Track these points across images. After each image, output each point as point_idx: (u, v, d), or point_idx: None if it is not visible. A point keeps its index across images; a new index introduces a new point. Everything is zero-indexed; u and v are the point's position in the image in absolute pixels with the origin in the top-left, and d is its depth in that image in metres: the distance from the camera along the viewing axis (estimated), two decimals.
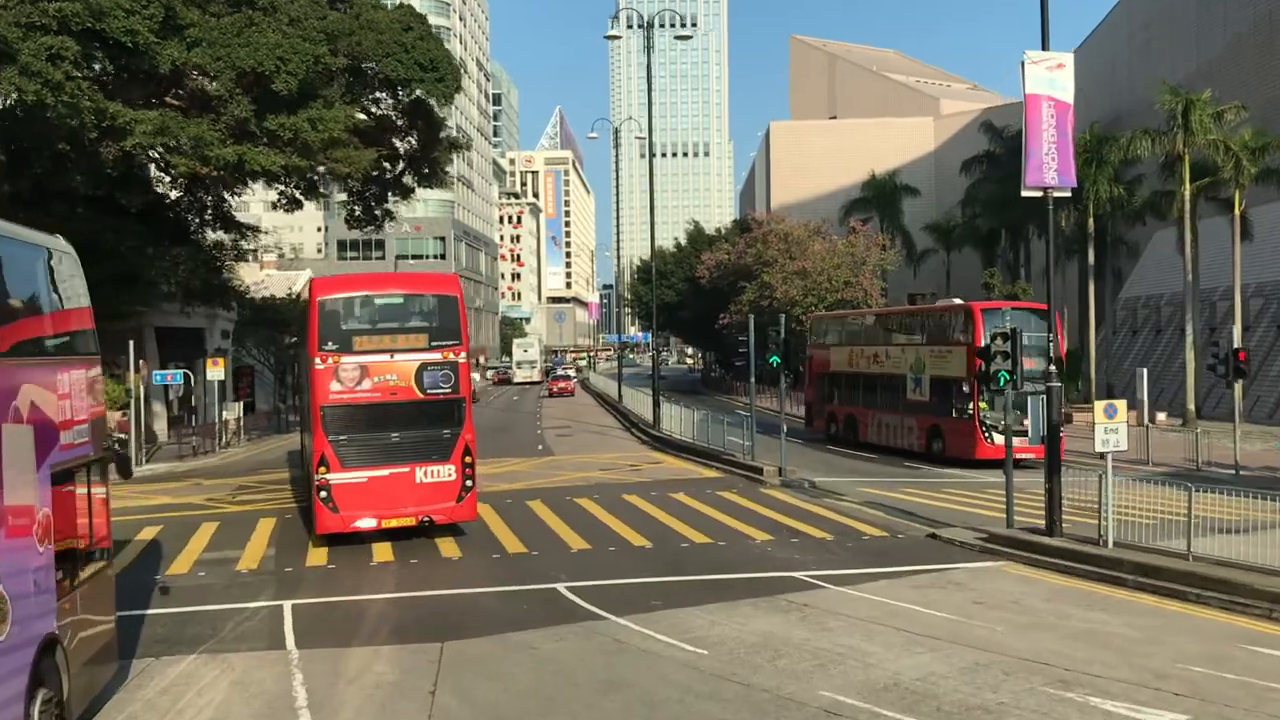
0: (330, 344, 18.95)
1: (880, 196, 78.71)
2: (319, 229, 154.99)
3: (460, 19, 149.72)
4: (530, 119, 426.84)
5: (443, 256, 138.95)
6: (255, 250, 43.84)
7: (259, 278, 70.94)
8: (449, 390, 19.36)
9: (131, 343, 33.66)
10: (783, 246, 71.49)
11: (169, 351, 44.32)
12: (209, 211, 41.16)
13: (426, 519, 19.13)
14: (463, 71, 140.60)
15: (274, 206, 43.79)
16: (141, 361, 34.48)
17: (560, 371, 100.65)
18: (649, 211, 42.41)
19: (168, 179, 39.42)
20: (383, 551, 18.51)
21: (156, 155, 30.29)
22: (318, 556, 18.28)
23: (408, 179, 42.68)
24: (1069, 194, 19.77)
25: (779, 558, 17.45)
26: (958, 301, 33.85)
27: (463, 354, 19.69)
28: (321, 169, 34.48)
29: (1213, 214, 47.35)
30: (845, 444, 35.92)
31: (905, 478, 28.47)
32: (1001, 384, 18.42)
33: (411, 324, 19.88)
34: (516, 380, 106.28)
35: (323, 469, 18.78)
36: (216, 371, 38.80)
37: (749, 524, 20.34)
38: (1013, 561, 17.10)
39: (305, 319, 20.70)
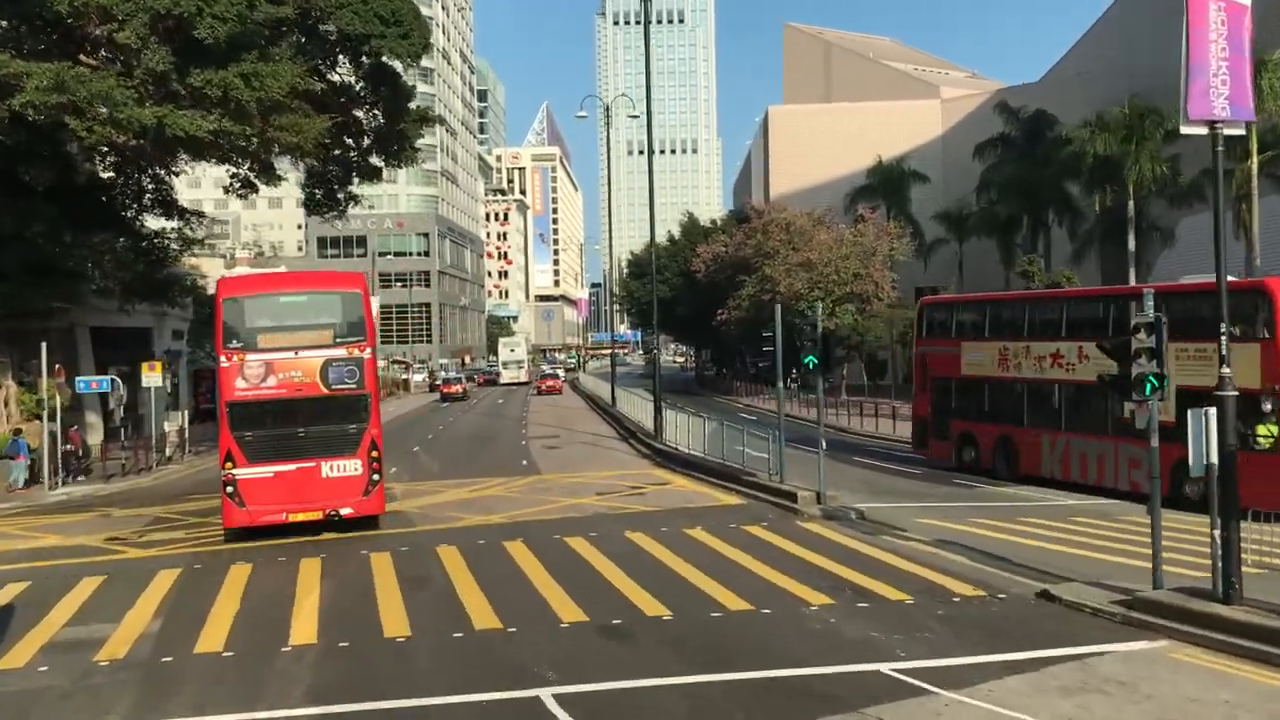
0: (235, 342, 19.47)
1: (887, 184, 73.98)
2: (299, 226, 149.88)
3: (443, 8, 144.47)
4: (517, 117, 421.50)
5: (426, 253, 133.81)
6: (204, 240, 38.78)
7: (231, 274, 66.03)
8: (354, 386, 19.82)
9: (44, 345, 28.64)
10: (785, 237, 66.81)
11: (109, 354, 39.29)
12: (148, 196, 36.10)
13: (334, 513, 19.62)
14: (445, 62, 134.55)
15: (225, 190, 38.69)
16: (58, 366, 29.45)
17: (548, 370, 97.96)
18: (649, 204, 37.44)
19: (98, 157, 34.45)
20: (303, 626, 13.57)
21: (65, 120, 25.23)
22: (213, 636, 13.31)
23: (374, 158, 37.73)
24: (1242, 130, 14.76)
25: (851, 637, 12.54)
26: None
27: (368, 350, 20.11)
28: (262, 140, 29.35)
29: (1267, 192, 42.83)
30: (991, 475, 27.11)
31: (962, 500, 23.67)
32: None
33: (316, 321, 20.26)
34: (503, 381, 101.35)
35: (229, 464, 19.32)
36: (154, 377, 33.76)
37: (796, 577, 15.42)
38: (1176, 641, 12.22)
39: (213, 319, 21.02)
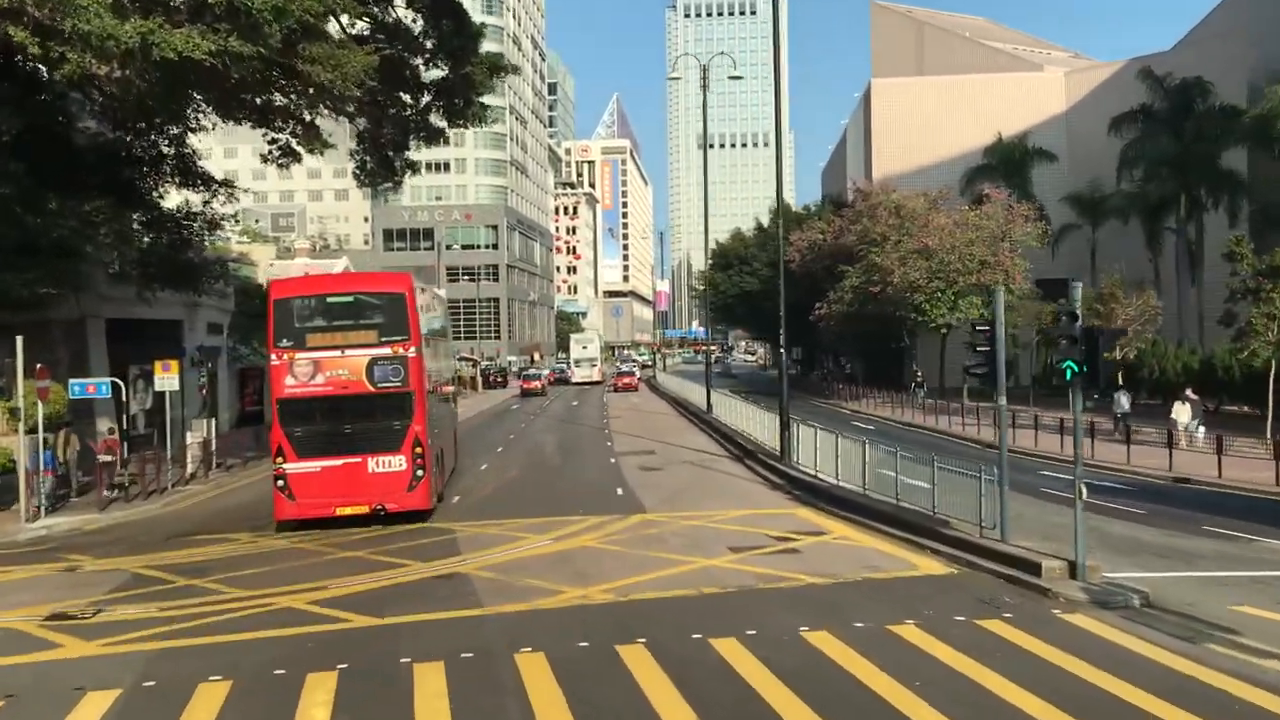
0: (285, 340, 20.19)
1: (1008, 163, 66.36)
2: (365, 219, 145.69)
3: None
4: (586, 110, 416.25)
5: (495, 246, 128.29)
6: (236, 216, 32.77)
7: (292, 265, 60.54)
8: (399, 384, 20.35)
9: (19, 340, 22.73)
10: (894, 222, 59.49)
11: (129, 351, 33.55)
12: (167, 163, 30.16)
13: (379, 507, 20.21)
14: (516, 47, 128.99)
15: (264, 160, 32.70)
16: (40, 366, 23.51)
17: (624, 368, 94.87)
18: (776, 183, 30.57)
19: (94, 107, 28.61)
20: None
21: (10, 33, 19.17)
22: None
23: (435, 117, 31.45)
24: None
25: None
26: None
27: (412, 349, 20.48)
28: (288, 74, 23.10)
29: None
30: None
31: (1254, 566, 16.55)
32: None
33: (362, 321, 20.82)
34: (575, 380, 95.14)
35: (280, 459, 20.12)
36: (168, 379, 27.83)
37: None
38: None
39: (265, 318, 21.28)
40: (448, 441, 27.04)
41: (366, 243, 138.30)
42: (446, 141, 31.75)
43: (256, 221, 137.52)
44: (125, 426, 33.75)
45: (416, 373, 20.50)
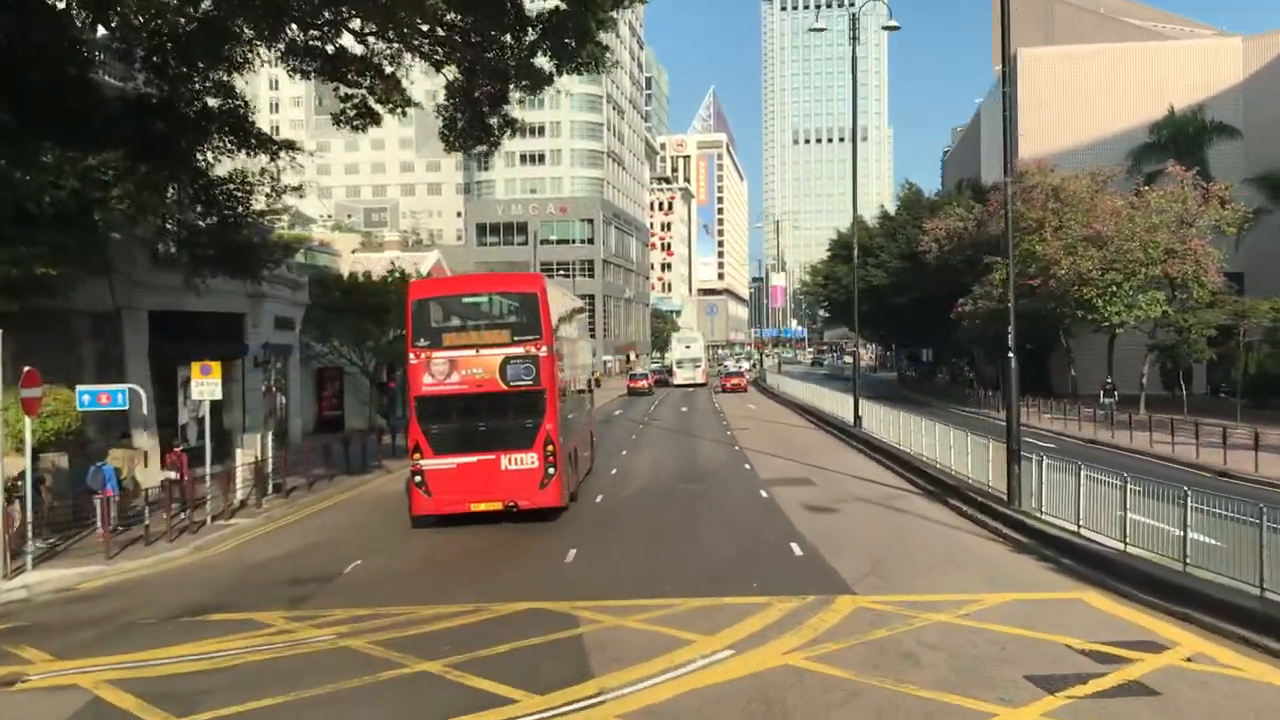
0: (422, 340, 20.78)
1: (1181, 140, 57.82)
2: (458, 214, 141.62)
3: None
4: (680, 105, 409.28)
5: (590, 241, 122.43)
6: (299, 188, 26.88)
7: (384, 258, 55.23)
8: (531, 383, 20.63)
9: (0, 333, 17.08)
10: (1054, 206, 51.67)
11: (181, 349, 28.19)
12: (214, 123, 24.39)
13: (512, 504, 20.45)
14: (614, 35, 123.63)
15: (336, 122, 26.88)
16: (28, 370, 17.81)
17: (732, 369, 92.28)
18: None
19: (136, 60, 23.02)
20: None
21: None
22: None
23: (540, 58, 25.19)
24: None
25: None
26: None
27: (544, 348, 20.72)
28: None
29: None
30: None
31: None
32: None
33: (496, 321, 21.66)
34: (676, 382, 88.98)
35: (417, 455, 20.61)
36: (208, 385, 22.07)
37: None
38: None
39: (403, 319, 22.14)
40: (583, 441, 26.73)
41: (459, 238, 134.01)
42: (552, 82, 25.32)
43: (349, 216, 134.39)
44: (178, 440, 28.51)
45: (548, 371, 20.67)
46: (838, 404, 45.34)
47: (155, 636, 13.48)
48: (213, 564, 18.55)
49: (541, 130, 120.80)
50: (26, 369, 17.65)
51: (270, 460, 25.95)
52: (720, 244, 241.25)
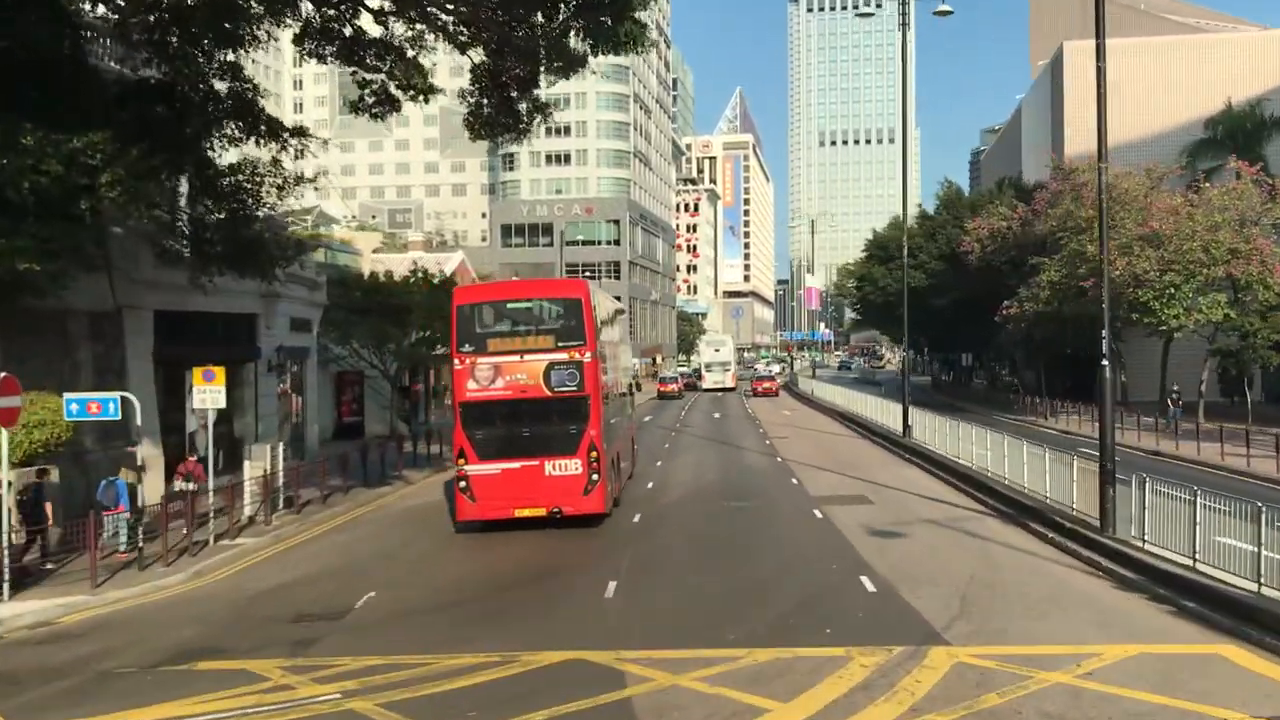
0: (467, 345, 20.68)
1: (1239, 135, 55.26)
2: (482, 215, 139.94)
3: None
4: (705, 106, 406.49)
5: (616, 242, 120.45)
6: (314, 180, 25.02)
7: (405, 259, 53.53)
8: (575, 388, 20.45)
9: None
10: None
11: (189, 353, 26.34)
12: (220, 103, 22.53)
13: (556, 510, 20.28)
14: (655, 10, 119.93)
15: (354, 110, 25.00)
16: (4, 376, 15.96)
17: (763, 372, 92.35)
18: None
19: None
20: None
21: None
22: None
23: (573, 38, 23.21)
24: None
25: None
26: None
27: (588, 354, 20.57)
28: None
29: None
30: None
31: None
32: None
33: (540, 326, 21.43)
34: (705, 386, 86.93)
35: (462, 460, 20.53)
36: (210, 392, 20.21)
37: None
38: None
39: (447, 325, 23.08)
40: (624, 446, 26.46)
41: (484, 239, 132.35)
42: (586, 63, 23.36)
43: (374, 217, 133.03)
44: (190, 449, 26.72)
45: (592, 377, 20.54)
46: (880, 410, 43.12)
47: (132, 692, 11.52)
48: (211, 594, 16.61)
49: (568, 130, 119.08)
50: (3, 375, 15.80)
51: (281, 473, 23.99)
52: (746, 246, 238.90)
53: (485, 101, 24.77)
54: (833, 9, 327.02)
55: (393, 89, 25.04)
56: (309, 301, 35.07)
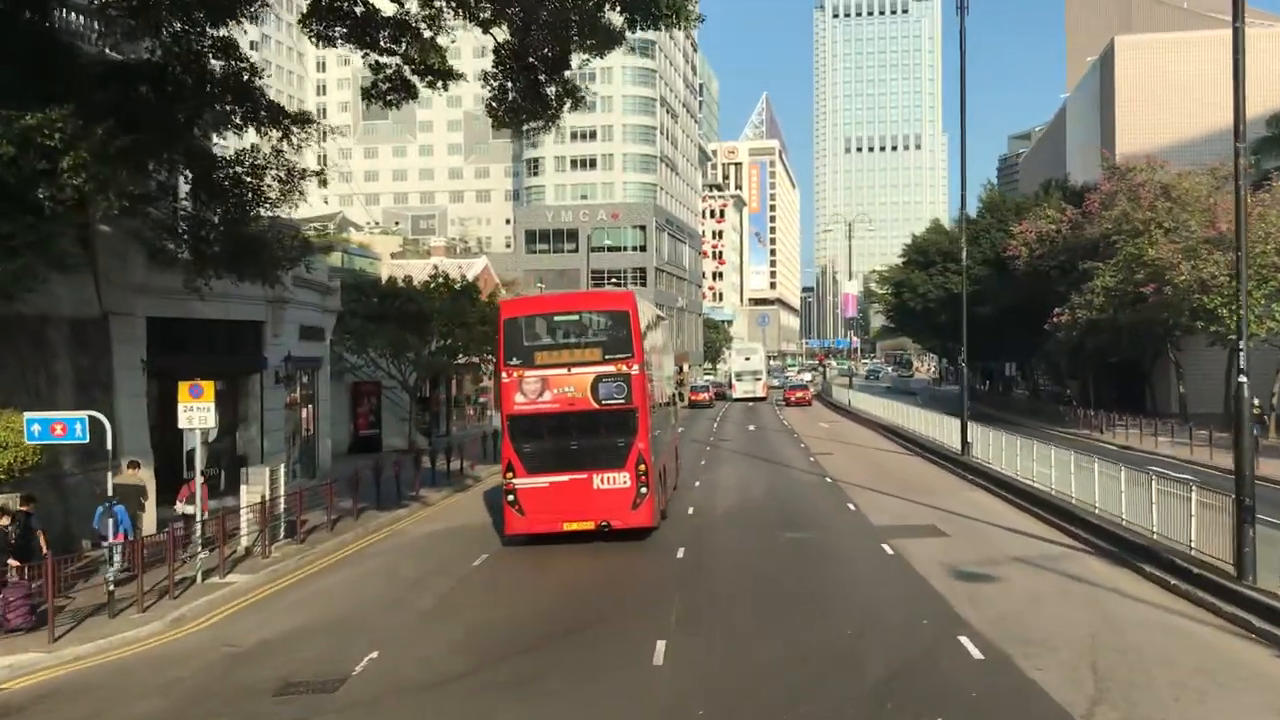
0: (515, 359, 20.66)
1: None
2: (506, 221, 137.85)
3: None
4: (731, 112, 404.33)
5: (642, 248, 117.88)
6: (320, 173, 22.62)
7: (426, 264, 51.28)
8: (623, 401, 20.33)
9: None
10: (1165, 205, 46.48)
11: (186, 364, 23.96)
12: (214, 84, 20.16)
13: (604, 524, 20.13)
14: (668, 36, 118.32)
15: (367, 97, 22.64)
16: None
17: (795, 381, 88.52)
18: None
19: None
20: None
21: None
22: None
23: (608, 11, 20.73)
24: None
25: None
26: None
27: (635, 366, 20.49)
28: None
29: None
30: None
31: None
32: None
33: (587, 339, 21.32)
34: (735, 396, 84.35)
35: (510, 474, 20.41)
36: (198, 410, 17.80)
37: None
38: None
39: (494, 338, 24.36)
40: (669, 457, 26.26)
41: (508, 245, 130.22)
42: (623, 40, 20.90)
43: (396, 224, 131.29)
44: (185, 468, 24.32)
45: (640, 390, 20.45)
46: (929, 424, 40.39)
47: None
48: (187, 651, 14.12)
49: (593, 134, 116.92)
50: None
51: (282, 498, 21.57)
52: (772, 252, 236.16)
53: (510, 85, 22.29)
54: (859, 15, 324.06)
55: (408, 74, 22.66)
56: (321, 308, 32.75)
